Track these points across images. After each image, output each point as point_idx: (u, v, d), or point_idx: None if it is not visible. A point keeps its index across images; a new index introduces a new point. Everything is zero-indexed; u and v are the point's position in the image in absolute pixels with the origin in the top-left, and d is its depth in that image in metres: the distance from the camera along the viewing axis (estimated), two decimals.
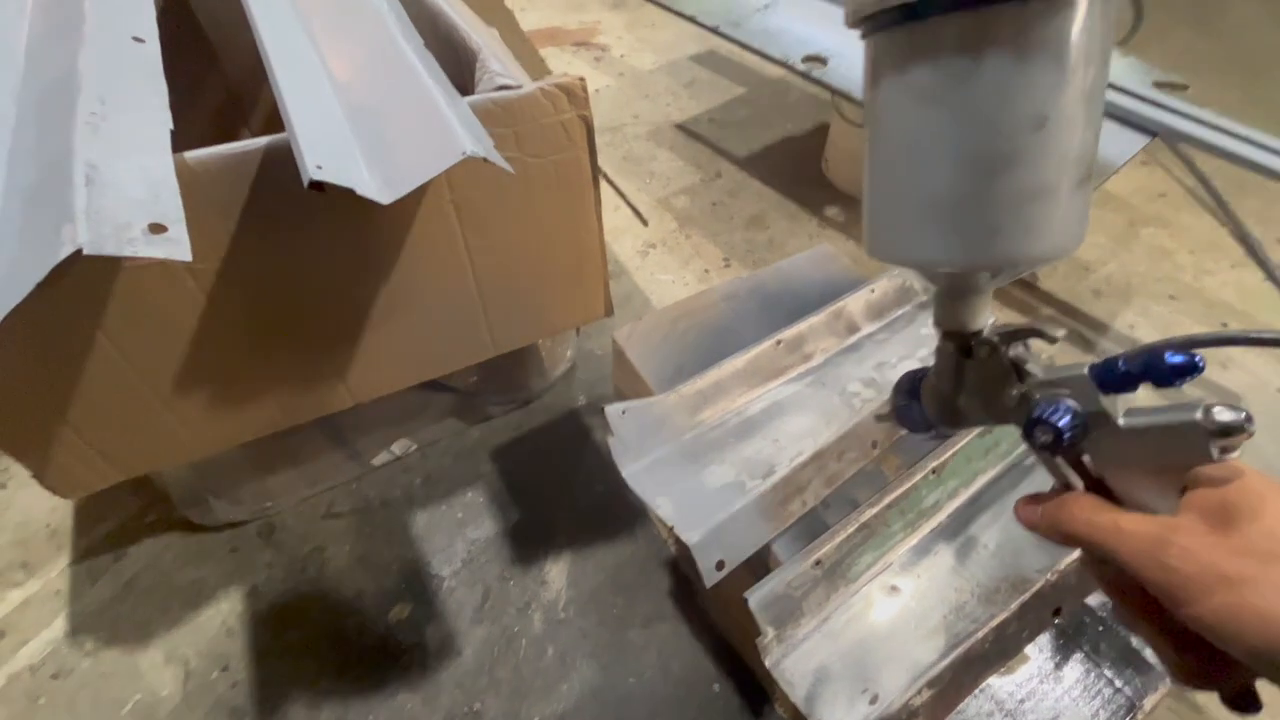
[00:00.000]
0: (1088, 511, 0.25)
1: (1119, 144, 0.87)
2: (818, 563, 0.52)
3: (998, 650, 0.49)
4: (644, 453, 0.60)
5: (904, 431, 0.65)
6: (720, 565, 0.53)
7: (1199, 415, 0.23)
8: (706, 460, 0.59)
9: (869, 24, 0.26)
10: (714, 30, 1.08)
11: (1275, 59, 1.74)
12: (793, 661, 0.49)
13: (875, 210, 0.29)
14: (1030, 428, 0.26)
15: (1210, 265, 1.20)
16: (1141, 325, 1.10)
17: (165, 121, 0.48)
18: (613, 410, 0.59)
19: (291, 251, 0.57)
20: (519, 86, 0.58)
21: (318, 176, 0.44)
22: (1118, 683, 0.54)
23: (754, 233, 1.21)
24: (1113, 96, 0.92)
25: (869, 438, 0.62)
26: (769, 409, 0.63)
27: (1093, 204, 1.30)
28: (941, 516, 0.57)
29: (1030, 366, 0.28)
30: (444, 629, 0.73)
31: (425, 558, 0.79)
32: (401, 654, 0.71)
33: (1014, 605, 0.49)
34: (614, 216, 1.23)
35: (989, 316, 0.30)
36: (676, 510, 0.54)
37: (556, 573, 0.78)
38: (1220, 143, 0.84)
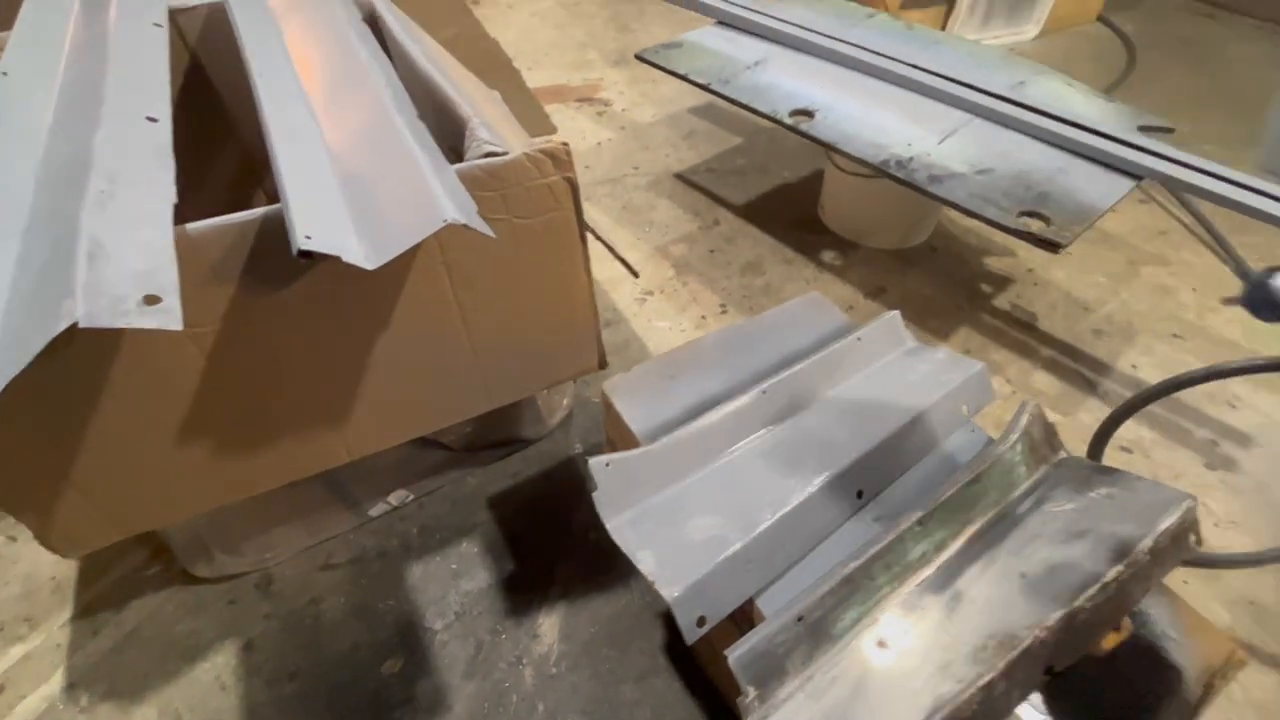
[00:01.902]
0: None
1: (1104, 188, 0.88)
2: (800, 618, 0.52)
3: (985, 711, 0.48)
4: (629, 505, 0.60)
5: (893, 482, 0.65)
6: (702, 621, 0.53)
7: None
8: (691, 512, 0.59)
9: None
10: (705, 88, 1.12)
11: (1258, 91, 1.75)
12: None
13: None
14: None
15: (1214, 302, 1.19)
16: (1145, 365, 1.08)
17: (169, 197, 0.51)
18: (596, 463, 0.60)
19: (289, 313, 0.59)
20: (505, 152, 0.61)
21: (306, 246, 0.46)
22: None
23: (750, 278, 1.23)
24: (1097, 142, 0.93)
25: (855, 487, 0.62)
26: (754, 459, 0.64)
27: (1092, 243, 1.30)
28: (928, 570, 0.57)
29: None
30: (435, 684, 0.73)
31: (419, 610, 0.79)
32: (393, 709, 0.71)
33: (1001, 664, 0.48)
34: (612, 266, 1.26)
35: None
36: (658, 564, 0.54)
37: (549, 625, 0.77)
38: (1202, 184, 0.85)
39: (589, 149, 1.57)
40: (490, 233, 0.51)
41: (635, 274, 0.87)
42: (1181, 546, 0.57)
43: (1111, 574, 0.52)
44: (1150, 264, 1.27)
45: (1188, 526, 0.57)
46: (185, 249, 0.52)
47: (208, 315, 0.56)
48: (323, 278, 0.58)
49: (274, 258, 0.55)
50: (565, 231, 0.67)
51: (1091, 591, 0.51)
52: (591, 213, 1.39)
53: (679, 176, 1.48)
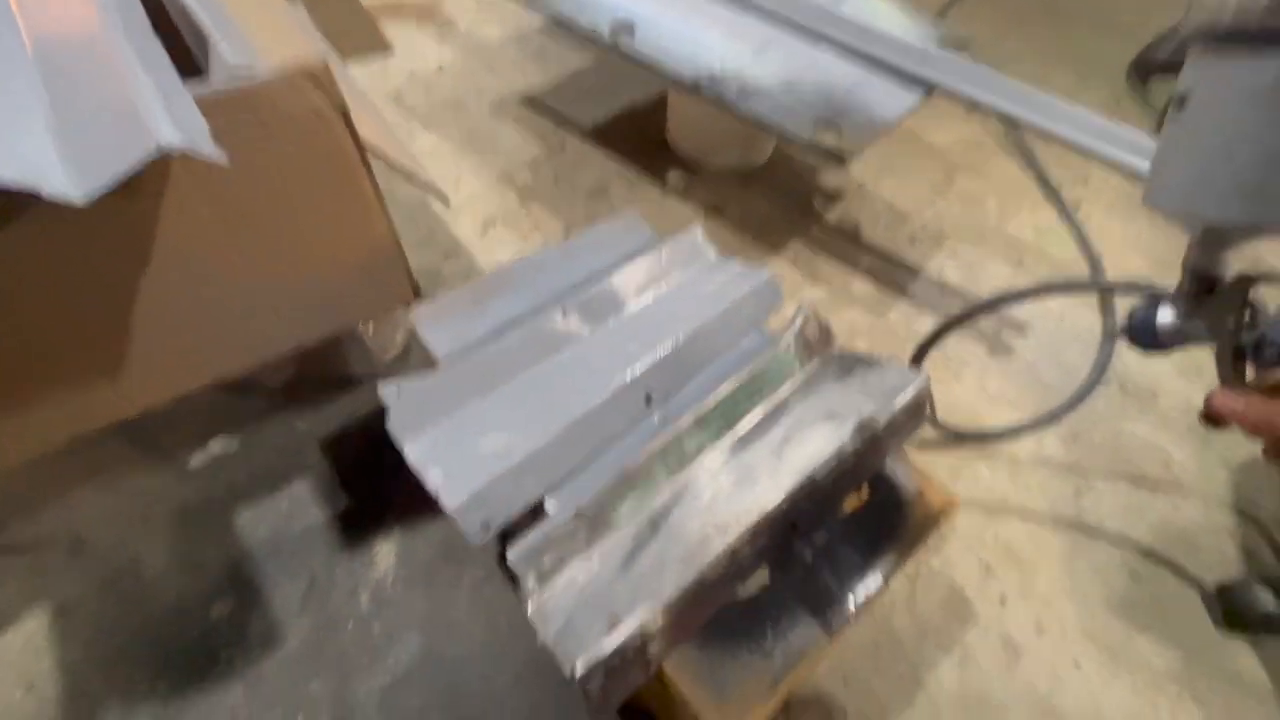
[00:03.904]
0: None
1: (897, 102, 0.94)
2: (579, 514, 0.56)
3: (733, 573, 0.55)
4: (424, 428, 0.62)
5: (682, 387, 0.68)
6: (486, 526, 0.56)
7: None
8: (485, 429, 0.62)
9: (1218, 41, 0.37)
10: (524, 4, 1.08)
11: (1080, 9, 1.89)
12: (550, 604, 0.53)
13: (1172, 171, 0.40)
14: (1260, 346, 0.40)
15: (1013, 209, 1.32)
16: (950, 267, 1.19)
17: None
18: (388, 391, 0.61)
19: (14, 255, 0.54)
20: (251, 72, 0.57)
21: None
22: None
23: (596, 203, 1.23)
24: (895, 56, 0.98)
25: (643, 393, 0.66)
26: (549, 375, 0.66)
27: (918, 155, 1.37)
28: (704, 459, 0.62)
29: (1261, 305, 0.42)
30: (267, 621, 0.74)
31: (249, 554, 0.78)
32: (222, 650, 0.72)
33: (747, 532, 0.55)
34: (454, 198, 1.22)
35: (1232, 265, 0.43)
36: (446, 477, 0.57)
37: (385, 552, 0.79)
38: (981, 96, 0.92)
39: (430, 72, 1.48)
40: (220, 159, 0.49)
41: (447, 202, 0.85)
42: (916, 419, 0.66)
43: (850, 447, 0.60)
44: (965, 173, 1.38)
45: (921, 401, 0.65)
46: None
47: None
48: (48, 214, 0.54)
49: None
50: (340, 157, 0.64)
51: (830, 463, 0.59)
52: (432, 140, 1.33)
53: (526, 100, 1.43)
